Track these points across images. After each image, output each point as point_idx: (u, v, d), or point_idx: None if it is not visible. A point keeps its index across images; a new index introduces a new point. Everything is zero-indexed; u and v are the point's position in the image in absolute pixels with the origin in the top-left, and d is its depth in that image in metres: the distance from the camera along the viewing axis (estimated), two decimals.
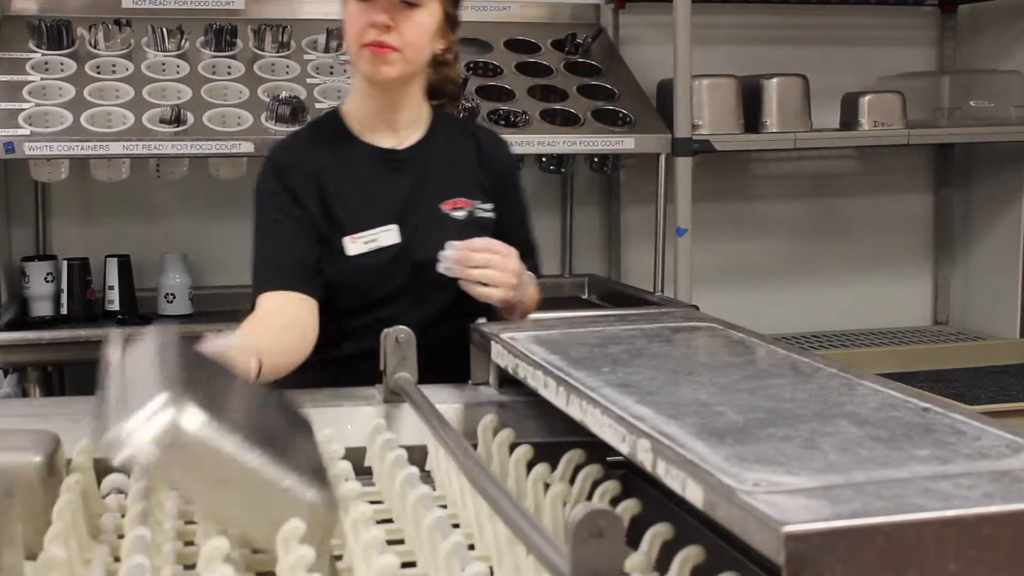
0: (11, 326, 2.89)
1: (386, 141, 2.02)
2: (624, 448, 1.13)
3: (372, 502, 1.34)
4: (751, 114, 3.49)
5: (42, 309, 3.10)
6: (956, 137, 3.78)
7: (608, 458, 1.38)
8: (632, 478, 1.41)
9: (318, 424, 1.56)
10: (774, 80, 3.51)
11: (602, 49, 3.57)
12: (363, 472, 1.48)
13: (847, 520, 0.85)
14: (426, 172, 2.01)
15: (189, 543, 1.26)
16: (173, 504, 1.35)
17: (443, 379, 1.71)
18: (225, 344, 1.52)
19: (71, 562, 1.14)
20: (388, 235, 1.96)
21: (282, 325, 1.86)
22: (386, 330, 1.63)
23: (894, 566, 0.85)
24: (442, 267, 1.84)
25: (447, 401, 1.63)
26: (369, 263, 1.95)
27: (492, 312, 1.97)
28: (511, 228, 2.04)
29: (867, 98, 3.58)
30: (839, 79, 3.76)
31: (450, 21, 2.00)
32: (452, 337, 1.88)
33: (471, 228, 1.98)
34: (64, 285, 3.09)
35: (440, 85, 2.08)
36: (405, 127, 2.02)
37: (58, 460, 1.33)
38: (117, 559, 1.21)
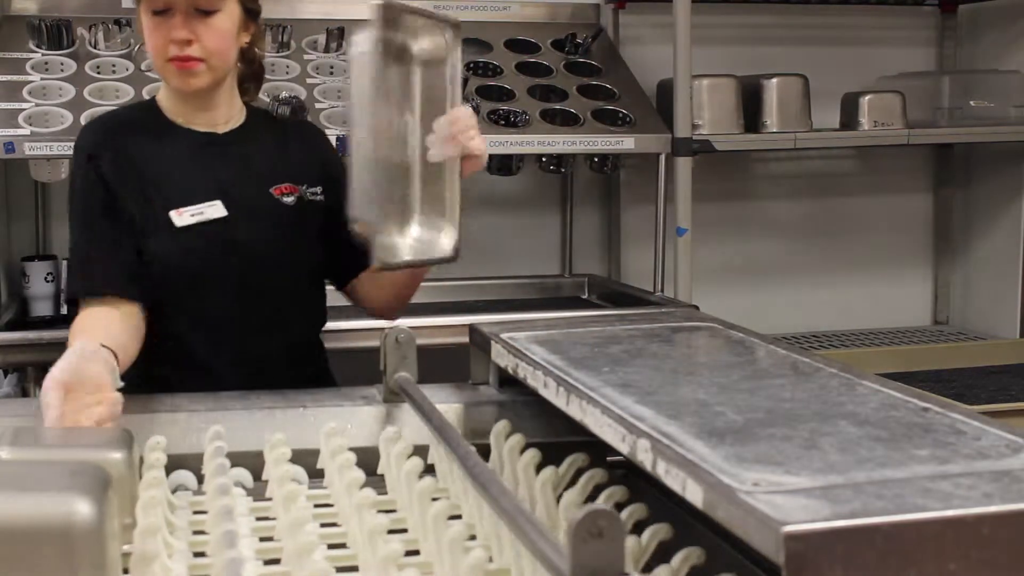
0: (11, 326, 2.88)
1: (205, 128, 2.00)
2: (624, 448, 1.13)
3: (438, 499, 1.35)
4: (751, 114, 3.49)
5: (42, 309, 3.09)
6: (956, 137, 3.78)
7: (608, 458, 1.38)
8: (632, 478, 1.41)
9: (319, 423, 1.56)
10: (774, 80, 3.50)
11: (602, 49, 3.56)
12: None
13: (847, 520, 0.86)
14: (249, 157, 2.01)
15: (266, 539, 1.28)
16: (245, 502, 1.37)
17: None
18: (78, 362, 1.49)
19: (160, 556, 1.16)
20: (214, 209, 1.94)
21: (121, 327, 1.80)
22: (387, 330, 1.63)
23: (894, 566, 0.85)
24: (435, 155, 1.71)
25: (447, 401, 1.63)
26: (196, 239, 1.91)
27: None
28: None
29: (867, 98, 3.58)
30: (839, 79, 3.76)
31: (250, 14, 1.98)
32: (287, 346, 1.93)
33: (302, 212, 1.99)
34: (64, 285, 3.09)
35: (246, 71, 2.06)
36: (223, 121, 2.01)
37: (134, 457, 1.35)
38: (195, 554, 1.24)
